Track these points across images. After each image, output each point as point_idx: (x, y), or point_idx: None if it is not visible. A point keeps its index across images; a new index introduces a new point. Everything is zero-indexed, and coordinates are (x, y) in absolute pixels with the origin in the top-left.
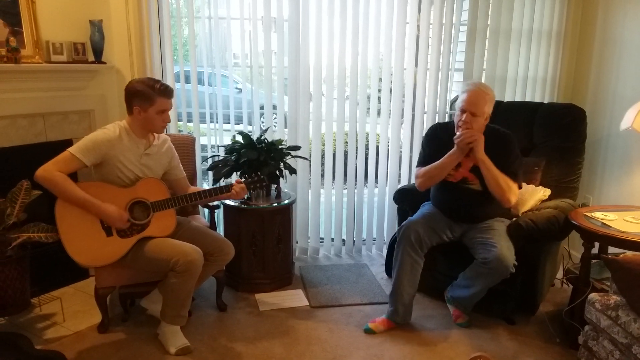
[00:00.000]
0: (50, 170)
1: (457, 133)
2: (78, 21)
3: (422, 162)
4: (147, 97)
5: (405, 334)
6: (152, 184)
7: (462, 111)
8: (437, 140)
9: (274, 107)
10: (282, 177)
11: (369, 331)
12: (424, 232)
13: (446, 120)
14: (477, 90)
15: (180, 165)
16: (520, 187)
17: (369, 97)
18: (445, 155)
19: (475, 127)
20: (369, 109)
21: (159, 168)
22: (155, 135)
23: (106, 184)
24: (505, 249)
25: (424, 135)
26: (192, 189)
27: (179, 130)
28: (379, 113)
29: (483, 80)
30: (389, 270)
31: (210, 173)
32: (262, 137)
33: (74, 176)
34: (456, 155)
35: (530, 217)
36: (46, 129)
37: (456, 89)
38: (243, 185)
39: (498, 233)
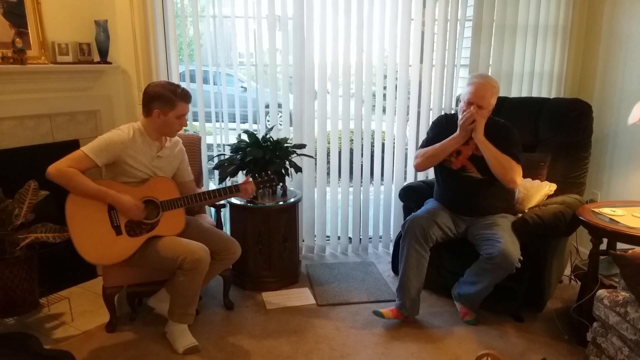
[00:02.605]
0: (62, 167)
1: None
2: (83, 21)
3: (424, 145)
4: (169, 101)
5: (413, 332)
6: (162, 183)
7: (469, 104)
8: (441, 127)
9: (279, 106)
10: (288, 176)
11: (378, 314)
12: (428, 227)
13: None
14: (483, 83)
15: (189, 168)
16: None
17: (374, 95)
18: (447, 138)
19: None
20: (374, 106)
21: (170, 170)
22: (168, 137)
23: (116, 182)
24: (509, 244)
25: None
26: (200, 191)
27: (185, 130)
28: (384, 110)
29: None
30: (395, 268)
31: (216, 172)
32: (268, 136)
33: None
34: (458, 138)
35: (537, 213)
36: (53, 129)
37: (462, 85)
38: (252, 183)
39: (502, 228)
